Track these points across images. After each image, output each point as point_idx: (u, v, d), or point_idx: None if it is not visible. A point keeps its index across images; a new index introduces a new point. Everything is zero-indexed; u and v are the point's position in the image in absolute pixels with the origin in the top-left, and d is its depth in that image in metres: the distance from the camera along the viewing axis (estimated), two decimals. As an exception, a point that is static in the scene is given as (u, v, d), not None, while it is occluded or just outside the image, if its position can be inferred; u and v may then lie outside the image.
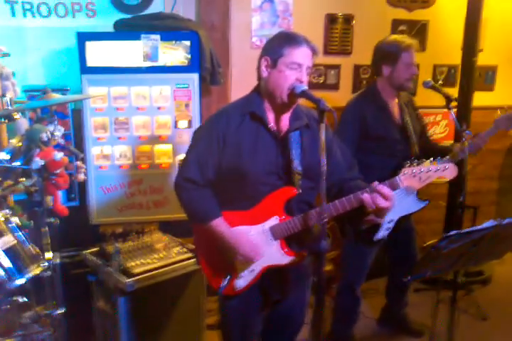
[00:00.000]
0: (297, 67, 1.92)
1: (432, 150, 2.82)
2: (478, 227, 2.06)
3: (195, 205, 2.07)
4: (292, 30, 3.82)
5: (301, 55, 1.93)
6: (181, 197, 2.10)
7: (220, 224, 2.01)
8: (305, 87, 1.91)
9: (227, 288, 2.09)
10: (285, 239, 2.03)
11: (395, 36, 2.92)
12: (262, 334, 2.32)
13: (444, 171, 1.89)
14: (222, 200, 2.06)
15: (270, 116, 2.03)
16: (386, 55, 2.84)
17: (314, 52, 1.97)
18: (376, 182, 1.90)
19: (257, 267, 2.05)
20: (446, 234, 1.98)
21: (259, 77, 2.05)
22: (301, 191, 1.99)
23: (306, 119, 2.07)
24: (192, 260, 2.81)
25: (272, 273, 2.08)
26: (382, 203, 1.87)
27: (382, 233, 2.85)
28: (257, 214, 2.02)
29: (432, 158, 1.89)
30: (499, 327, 3.47)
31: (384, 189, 1.87)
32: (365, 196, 1.88)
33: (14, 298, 2.35)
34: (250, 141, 2.00)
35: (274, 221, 2.01)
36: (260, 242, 2.01)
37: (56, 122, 2.43)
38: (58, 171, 2.29)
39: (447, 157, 2.53)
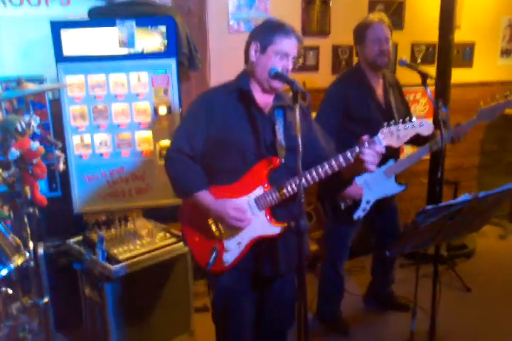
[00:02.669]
0: (284, 56, 2.03)
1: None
2: (454, 201, 2.09)
3: (183, 176, 2.11)
4: (273, 15, 3.80)
5: (289, 45, 2.04)
6: (169, 168, 2.14)
7: (205, 196, 2.06)
8: (278, 69, 2.00)
9: (215, 264, 2.10)
10: (270, 209, 2.07)
11: (368, 15, 2.92)
12: (257, 321, 2.33)
13: (420, 127, 1.92)
14: (209, 175, 2.11)
15: (256, 94, 2.11)
16: (356, 35, 2.92)
17: (300, 42, 2.08)
18: (356, 146, 1.94)
19: (244, 239, 2.08)
20: (423, 209, 2.01)
21: (247, 60, 2.14)
22: (284, 161, 2.04)
23: (289, 101, 2.15)
24: (177, 245, 2.84)
25: (261, 248, 2.11)
26: (370, 158, 1.91)
27: (359, 213, 2.89)
28: (243, 186, 2.07)
29: (407, 118, 1.93)
30: (483, 300, 3.54)
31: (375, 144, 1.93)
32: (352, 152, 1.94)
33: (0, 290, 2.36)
34: (236, 114, 2.08)
35: (259, 191, 2.06)
36: (246, 209, 2.06)
37: (32, 112, 2.42)
38: (35, 161, 2.28)
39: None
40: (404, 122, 1.92)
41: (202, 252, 2.15)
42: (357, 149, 1.93)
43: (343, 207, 2.85)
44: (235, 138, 2.05)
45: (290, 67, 2.06)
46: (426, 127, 1.94)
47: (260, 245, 2.10)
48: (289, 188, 2.01)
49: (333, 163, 1.97)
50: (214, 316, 2.29)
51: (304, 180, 1.97)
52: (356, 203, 2.86)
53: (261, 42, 2.05)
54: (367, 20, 2.86)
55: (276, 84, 2.05)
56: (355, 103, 2.87)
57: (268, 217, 2.07)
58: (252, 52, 2.08)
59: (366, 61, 2.90)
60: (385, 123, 1.93)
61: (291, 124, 2.12)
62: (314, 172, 1.99)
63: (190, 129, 2.10)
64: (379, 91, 2.96)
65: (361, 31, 2.87)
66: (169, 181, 2.15)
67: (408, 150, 2.27)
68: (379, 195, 2.92)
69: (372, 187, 2.87)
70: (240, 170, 2.07)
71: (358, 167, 1.98)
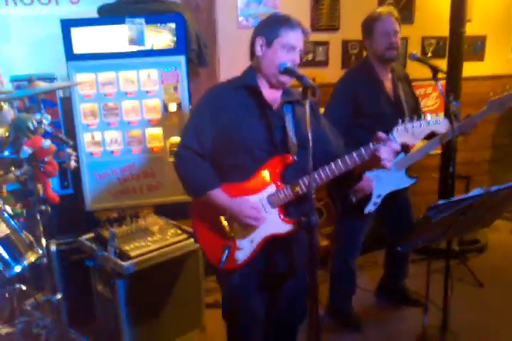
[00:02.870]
0: (291, 49, 2.01)
1: None
2: (466, 196, 2.08)
3: (194, 175, 2.09)
4: (282, 11, 3.79)
5: (295, 38, 2.01)
6: (180, 167, 2.12)
7: (219, 194, 2.04)
8: (288, 64, 1.97)
9: (228, 262, 2.09)
10: (282, 207, 2.06)
11: (376, 9, 2.91)
12: (268, 317, 2.33)
13: (435, 125, 1.91)
14: (220, 174, 2.10)
15: (265, 90, 2.09)
16: (364, 28, 2.91)
17: (306, 35, 2.06)
18: (371, 143, 1.93)
19: (257, 237, 2.07)
20: (434, 204, 2.01)
21: (252, 55, 2.12)
22: (296, 158, 2.03)
23: (298, 96, 2.12)
24: (188, 241, 2.85)
25: (273, 245, 2.10)
26: (385, 155, 1.91)
27: (370, 207, 2.88)
28: (255, 184, 2.06)
29: (422, 115, 1.92)
30: (495, 295, 3.51)
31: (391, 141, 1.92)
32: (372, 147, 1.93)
33: (14, 286, 2.39)
34: (246, 111, 2.06)
35: (271, 189, 2.05)
36: (260, 208, 2.05)
37: (43, 110, 2.43)
38: (47, 159, 2.30)
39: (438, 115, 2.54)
40: (419, 119, 1.90)
41: (213, 250, 2.14)
42: (371, 146, 1.92)
43: (354, 201, 2.82)
44: (244, 136, 2.03)
45: (297, 60, 2.03)
46: (442, 125, 1.93)
47: (272, 243, 2.09)
48: (303, 186, 1.99)
49: (348, 160, 1.95)
50: (224, 314, 2.29)
51: (318, 178, 1.96)
52: (367, 197, 2.84)
53: (266, 37, 2.03)
54: (375, 13, 2.85)
55: (284, 78, 2.02)
56: (364, 97, 2.85)
57: (281, 214, 2.06)
58: (258, 47, 2.06)
59: (375, 54, 2.88)
60: (400, 120, 1.91)
61: (301, 120, 2.09)
62: (328, 170, 1.97)
63: (198, 127, 2.08)
64: (388, 84, 2.94)
65: (370, 24, 2.85)
66: (179, 179, 2.13)
67: (418, 143, 2.27)
68: (390, 188, 2.90)
69: (383, 180, 2.85)
70: (251, 167, 2.06)
71: (372, 164, 1.97)
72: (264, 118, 2.06)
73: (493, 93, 2.83)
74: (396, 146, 1.91)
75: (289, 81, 2.05)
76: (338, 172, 1.97)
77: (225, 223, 2.10)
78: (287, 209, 2.07)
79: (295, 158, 2.03)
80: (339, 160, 1.96)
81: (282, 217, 2.06)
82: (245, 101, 2.07)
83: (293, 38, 2.00)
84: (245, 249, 2.09)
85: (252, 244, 2.08)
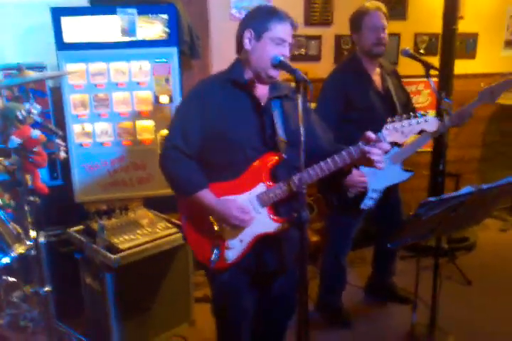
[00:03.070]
0: (281, 43, 1.97)
1: None
2: (457, 193, 2.08)
3: (182, 176, 2.04)
4: (272, 4, 3.76)
5: (285, 31, 1.97)
6: (166, 168, 2.07)
7: (206, 194, 2.01)
8: (281, 57, 1.93)
9: (218, 262, 2.07)
10: (272, 205, 2.03)
11: (364, 4, 2.90)
12: (257, 313, 2.32)
13: (425, 123, 1.90)
14: (208, 172, 2.05)
15: (252, 85, 2.05)
16: (352, 23, 2.91)
17: (295, 28, 2.02)
18: (360, 142, 1.91)
19: (246, 237, 2.05)
20: (425, 201, 2.01)
21: (240, 49, 2.06)
22: (287, 156, 2.00)
23: (286, 90, 2.11)
24: (177, 235, 2.83)
25: (263, 244, 2.07)
26: (377, 157, 1.88)
27: (366, 202, 2.87)
28: (243, 183, 2.02)
29: (412, 114, 1.90)
30: (483, 292, 3.54)
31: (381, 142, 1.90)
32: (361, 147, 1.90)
33: (1, 278, 2.37)
34: (233, 107, 2.01)
35: (260, 188, 2.01)
36: (248, 207, 2.02)
37: (32, 100, 2.40)
38: (36, 149, 2.27)
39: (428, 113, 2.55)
40: (408, 118, 1.89)
41: (203, 249, 2.11)
42: (361, 146, 1.90)
43: (351, 196, 2.80)
44: (232, 133, 1.99)
45: (288, 53, 1.98)
46: (431, 123, 1.91)
47: (262, 241, 2.06)
48: (294, 184, 1.95)
49: (337, 159, 1.93)
50: (214, 310, 2.28)
51: (307, 177, 1.93)
52: (362, 192, 2.83)
53: (255, 30, 1.97)
54: (363, 7, 2.85)
55: (274, 72, 1.98)
56: (354, 91, 2.85)
57: (270, 213, 2.04)
58: (246, 40, 2.00)
59: (362, 49, 2.89)
60: (389, 119, 1.90)
61: (290, 115, 2.06)
62: (318, 169, 1.94)
63: (185, 125, 2.03)
64: (376, 79, 2.94)
65: (358, 19, 2.85)
66: (166, 179, 2.09)
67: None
68: (386, 183, 2.90)
69: (378, 175, 2.84)
70: (239, 165, 2.01)
71: (363, 162, 1.95)
72: (253, 115, 2.03)
73: (483, 83, 2.83)
74: (386, 147, 1.89)
75: (277, 75, 2.01)
76: (328, 170, 1.95)
77: (214, 223, 2.06)
78: (277, 207, 2.04)
79: (284, 156, 2.00)
80: (329, 159, 1.93)
81: (272, 216, 2.04)
82: (233, 98, 2.03)
83: (282, 31, 1.96)
84: (235, 248, 2.06)
85: (241, 243, 2.06)
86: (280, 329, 2.43)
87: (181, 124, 2.04)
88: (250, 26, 1.99)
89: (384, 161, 1.93)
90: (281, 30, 1.96)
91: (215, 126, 1.99)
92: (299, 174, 1.86)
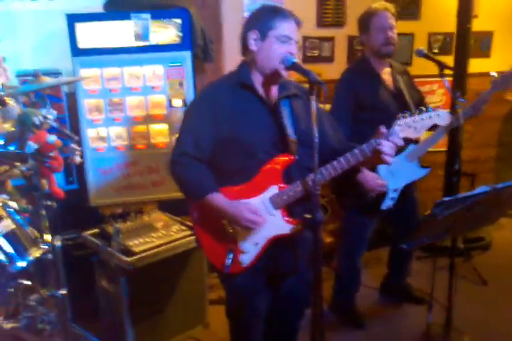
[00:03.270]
0: (287, 40, 1.95)
1: None
2: (472, 193, 2.07)
3: (192, 180, 2.03)
4: (288, 7, 3.76)
5: (289, 29, 1.95)
6: (176, 173, 2.05)
7: (218, 197, 1.99)
8: (295, 59, 1.93)
9: (233, 266, 2.06)
10: (286, 207, 2.02)
11: (371, 5, 2.89)
12: (269, 314, 2.33)
13: (437, 118, 1.89)
14: (219, 176, 2.04)
15: (260, 87, 2.05)
16: (361, 24, 2.91)
17: (299, 26, 2.00)
18: (373, 139, 1.90)
19: (261, 240, 2.03)
20: (440, 200, 1.99)
21: (246, 51, 2.05)
22: (298, 157, 1.98)
23: (295, 90, 2.10)
24: (192, 237, 2.83)
25: (278, 245, 2.06)
26: (387, 150, 1.86)
27: (387, 203, 2.86)
28: (256, 186, 2.01)
29: (424, 108, 1.89)
30: (499, 292, 3.50)
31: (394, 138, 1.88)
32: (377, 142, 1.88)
33: (18, 281, 2.40)
34: (243, 110, 2.00)
35: (273, 190, 2.00)
36: (261, 210, 2.01)
37: (49, 106, 2.43)
38: (52, 154, 2.30)
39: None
40: (420, 113, 1.88)
41: (217, 253, 2.10)
42: (373, 142, 1.88)
43: (370, 197, 2.78)
44: (244, 137, 1.97)
45: (295, 51, 1.96)
46: (443, 117, 1.90)
47: (276, 243, 2.05)
48: (307, 185, 1.94)
49: (350, 157, 1.91)
50: (228, 312, 2.29)
51: (320, 177, 1.91)
52: (383, 193, 2.79)
53: (260, 30, 1.96)
54: (372, 8, 2.85)
55: (284, 72, 1.96)
56: (363, 91, 2.85)
57: (284, 216, 2.03)
58: (252, 41, 1.98)
59: (372, 50, 2.89)
60: (400, 115, 1.88)
61: (299, 115, 2.05)
62: (331, 168, 1.93)
63: (196, 130, 2.00)
64: (387, 79, 2.94)
65: (366, 20, 2.86)
66: (177, 184, 2.07)
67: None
68: (405, 181, 2.89)
69: (396, 174, 2.83)
70: (251, 169, 2.00)
71: (374, 159, 1.93)
72: (263, 117, 2.01)
73: (496, 72, 2.81)
74: (399, 141, 1.87)
75: (287, 75, 2.00)
76: (341, 169, 1.93)
77: (227, 226, 2.05)
78: (291, 209, 2.03)
79: (296, 157, 1.98)
80: (341, 158, 1.92)
81: (286, 217, 2.03)
82: (243, 100, 2.01)
83: (287, 28, 1.94)
84: (250, 251, 2.05)
85: (256, 246, 2.05)
86: (291, 330, 2.42)
87: (192, 129, 2.02)
88: (254, 27, 1.98)
89: (394, 156, 1.90)
90: (286, 28, 1.94)
91: (226, 130, 1.98)
92: (312, 175, 1.86)
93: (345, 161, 1.93)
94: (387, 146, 1.87)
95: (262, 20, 1.97)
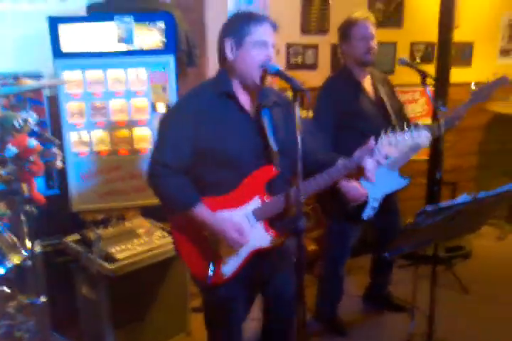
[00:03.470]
0: (263, 45, 1.91)
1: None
2: (453, 202, 2.08)
3: (174, 193, 1.98)
4: (272, 13, 3.78)
5: (265, 33, 1.92)
6: (157, 185, 2.00)
7: (201, 210, 1.95)
8: (279, 67, 1.90)
9: (215, 277, 2.05)
10: (268, 219, 2.01)
11: (352, 14, 2.91)
12: (263, 320, 2.36)
13: (419, 138, 1.90)
14: (201, 187, 2.00)
15: (240, 96, 2.01)
16: (341, 32, 2.91)
17: (275, 29, 1.96)
18: (357, 152, 1.92)
19: (243, 251, 2.02)
20: (422, 209, 2.00)
21: (223, 60, 2.01)
22: (279, 168, 1.97)
23: (274, 98, 2.08)
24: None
25: (262, 254, 2.06)
26: (370, 167, 1.90)
27: (368, 212, 2.86)
28: (238, 197, 1.99)
29: (406, 127, 1.90)
30: (480, 301, 3.52)
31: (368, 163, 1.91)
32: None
33: (-4, 288, 2.35)
34: (224, 120, 1.96)
35: (256, 202, 1.99)
36: (245, 225, 1.99)
37: (28, 109, 2.39)
38: (32, 158, 2.26)
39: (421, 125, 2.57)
40: (403, 131, 1.89)
41: (197, 264, 2.07)
42: (356, 159, 1.90)
43: (350, 206, 2.79)
44: (225, 147, 1.93)
45: (272, 55, 1.92)
46: (424, 138, 1.91)
47: (258, 253, 2.05)
48: (292, 198, 1.92)
49: (333, 172, 1.92)
50: (207, 322, 2.27)
51: (304, 191, 1.85)
52: (363, 203, 2.82)
53: (235, 37, 1.92)
54: (352, 18, 2.85)
55: (262, 79, 1.92)
56: (346, 98, 2.86)
57: (266, 228, 2.02)
58: (228, 50, 1.94)
59: (352, 58, 2.89)
60: (383, 133, 1.89)
61: (279, 123, 2.02)
62: (314, 183, 1.93)
63: (176, 140, 1.95)
64: (368, 87, 2.95)
65: (347, 29, 2.86)
66: (157, 197, 2.03)
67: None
68: (386, 190, 2.89)
69: (377, 183, 2.82)
70: (233, 180, 1.97)
71: (356, 174, 1.96)
72: (244, 127, 1.98)
73: (474, 84, 2.85)
74: (382, 160, 1.89)
75: (266, 81, 1.95)
76: (324, 186, 1.94)
77: (210, 238, 2.03)
78: (273, 221, 2.02)
79: (279, 169, 1.97)
80: (324, 173, 1.93)
81: (268, 230, 2.02)
82: (224, 109, 1.97)
83: (263, 33, 1.91)
84: (231, 263, 2.04)
85: (238, 258, 2.04)
86: (287, 327, 2.34)
87: (171, 139, 1.96)
88: (229, 35, 1.94)
89: (374, 173, 1.93)
90: (261, 33, 1.91)
91: (206, 140, 1.93)
92: (295, 188, 1.84)
93: (328, 176, 1.93)
94: (370, 164, 1.88)
95: (236, 27, 1.93)
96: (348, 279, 3.31)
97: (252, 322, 2.56)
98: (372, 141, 1.89)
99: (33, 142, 2.25)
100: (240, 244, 1.96)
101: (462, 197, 2.07)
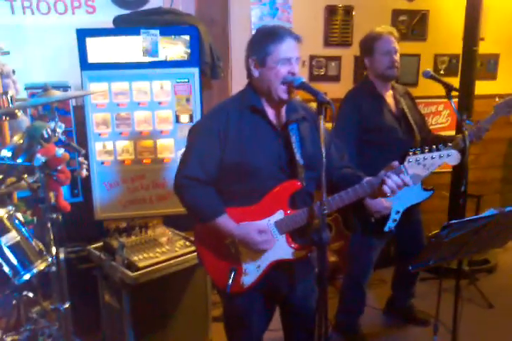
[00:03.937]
0: (286, 62, 1.92)
1: (433, 142, 2.81)
2: (479, 216, 2.06)
3: (200, 203, 2.02)
4: (295, 26, 3.80)
5: (287, 50, 1.92)
6: (184, 196, 2.03)
7: (226, 220, 1.98)
8: (303, 79, 1.91)
9: (234, 286, 2.05)
10: (290, 232, 2.02)
11: (375, 28, 2.92)
12: (283, 330, 2.35)
13: (447, 158, 1.89)
14: (225, 198, 2.03)
15: (268, 110, 2.03)
16: (364, 47, 2.93)
17: (299, 41, 1.96)
18: (383, 172, 1.91)
19: (264, 263, 2.03)
20: (447, 223, 1.98)
21: (250, 76, 2.04)
22: (304, 183, 1.98)
23: (302, 112, 2.08)
24: (196, 253, 2.82)
25: (278, 266, 2.07)
26: (392, 184, 1.88)
27: (390, 224, 2.85)
28: (262, 209, 2.00)
29: (434, 146, 1.89)
30: (505, 316, 3.46)
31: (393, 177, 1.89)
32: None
33: (21, 294, 2.38)
34: (252, 135, 1.98)
35: (279, 215, 2.00)
36: (268, 230, 2.00)
37: (57, 119, 2.44)
38: (60, 167, 2.30)
39: (450, 144, 2.56)
40: (430, 151, 1.88)
41: (219, 273, 2.09)
42: (383, 176, 1.89)
43: (372, 220, 2.79)
44: (252, 161, 1.95)
45: (296, 70, 1.93)
46: (453, 157, 1.91)
47: (277, 266, 2.06)
48: (316, 212, 1.91)
49: (358, 189, 1.92)
50: (226, 330, 2.29)
51: (328, 207, 1.87)
52: (386, 215, 2.81)
53: (257, 56, 1.94)
54: (375, 32, 2.87)
55: (285, 95, 1.93)
56: (368, 112, 2.86)
57: (289, 241, 2.02)
58: (252, 68, 1.98)
59: (375, 72, 2.90)
60: (411, 151, 1.89)
61: (306, 138, 2.03)
62: (338, 199, 1.93)
63: (203, 154, 1.98)
64: (390, 100, 2.95)
65: (370, 43, 2.87)
66: (185, 208, 2.07)
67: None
68: (408, 203, 2.87)
69: (400, 196, 2.81)
70: (258, 192, 1.99)
71: (378, 194, 1.94)
72: (271, 142, 2.00)
73: (498, 97, 2.83)
74: (408, 180, 1.89)
75: (289, 97, 1.96)
76: (348, 201, 1.94)
77: (231, 248, 2.05)
78: (295, 234, 2.03)
79: (304, 183, 1.98)
80: (350, 190, 1.92)
81: (290, 242, 2.03)
82: (252, 124, 1.99)
83: (285, 50, 1.91)
84: (251, 273, 2.06)
85: (258, 269, 2.05)
86: (307, 338, 2.30)
87: (198, 151, 2.00)
88: (252, 54, 1.97)
89: (395, 192, 1.91)
90: (283, 50, 1.91)
91: (233, 154, 1.96)
92: (318, 202, 1.82)
93: (353, 193, 1.93)
94: (393, 182, 1.87)
95: (257, 46, 1.96)
96: (369, 292, 3.28)
97: (273, 332, 2.55)
98: (395, 163, 1.89)
99: (61, 151, 2.29)
100: (267, 242, 1.97)
101: (488, 211, 2.05)
